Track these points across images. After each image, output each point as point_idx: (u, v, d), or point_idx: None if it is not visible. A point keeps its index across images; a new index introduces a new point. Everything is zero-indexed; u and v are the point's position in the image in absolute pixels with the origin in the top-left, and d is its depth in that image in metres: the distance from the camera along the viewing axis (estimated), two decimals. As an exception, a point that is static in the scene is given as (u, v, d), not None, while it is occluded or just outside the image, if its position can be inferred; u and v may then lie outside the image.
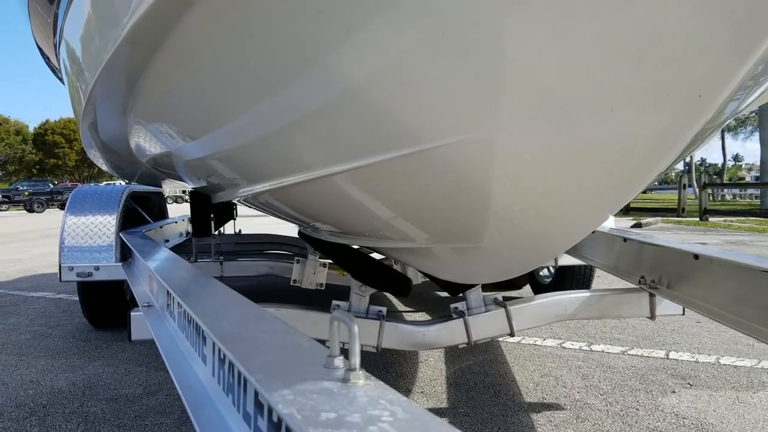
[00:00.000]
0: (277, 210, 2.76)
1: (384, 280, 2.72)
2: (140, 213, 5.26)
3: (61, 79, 3.75)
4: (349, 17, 1.22)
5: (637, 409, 3.04)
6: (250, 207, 3.33)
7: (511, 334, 2.88)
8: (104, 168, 4.97)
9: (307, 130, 1.66)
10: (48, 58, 3.93)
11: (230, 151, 2.08)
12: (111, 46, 1.53)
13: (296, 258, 4.20)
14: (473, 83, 1.23)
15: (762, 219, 17.21)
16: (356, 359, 0.88)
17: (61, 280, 4.28)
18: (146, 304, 2.63)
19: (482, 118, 1.28)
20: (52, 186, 48.30)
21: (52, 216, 30.55)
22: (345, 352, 0.97)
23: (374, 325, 2.75)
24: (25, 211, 37.83)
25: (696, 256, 2.40)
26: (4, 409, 3.15)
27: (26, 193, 41.82)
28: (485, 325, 2.84)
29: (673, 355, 3.95)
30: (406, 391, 3.35)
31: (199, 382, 1.72)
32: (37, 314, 5.54)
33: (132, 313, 2.59)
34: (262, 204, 2.82)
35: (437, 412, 3.06)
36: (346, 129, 1.57)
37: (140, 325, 2.58)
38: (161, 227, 5.13)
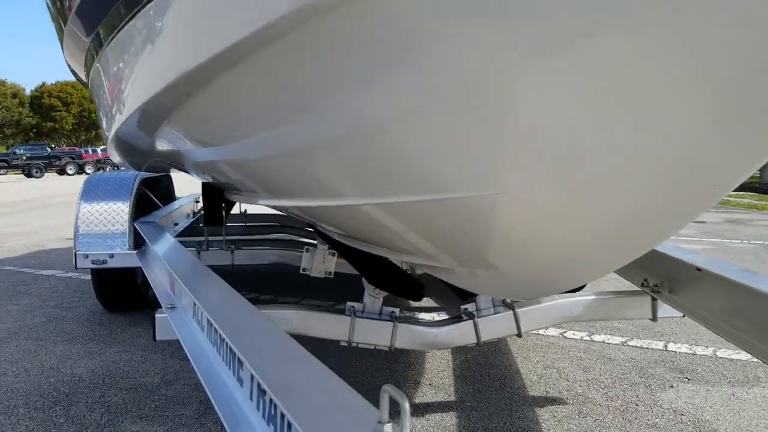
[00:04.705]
0: (295, 215, 2.85)
1: (397, 285, 2.82)
2: (150, 197, 5.34)
3: (82, 82, 3.79)
4: (371, 68, 1.30)
5: (637, 405, 3.18)
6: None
7: (519, 335, 3.00)
8: (116, 160, 5.01)
9: (331, 165, 1.75)
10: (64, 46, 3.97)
11: (262, 177, 2.17)
12: (153, 88, 1.60)
13: (306, 247, 4.30)
14: (489, 137, 1.32)
15: (762, 195, 17.26)
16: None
17: (76, 267, 4.40)
18: (170, 306, 2.73)
19: (502, 173, 1.37)
20: (49, 150, 48.12)
21: (52, 182, 30.53)
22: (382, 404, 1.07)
23: (388, 327, 2.86)
24: (23, 176, 37.78)
25: (698, 269, 2.51)
26: (30, 398, 3.28)
27: (24, 158, 41.72)
28: (494, 326, 2.96)
29: (671, 347, 4.08)
30: (415, 383, 3.48)
31: (230, 392, 1.83)
32: (49, 294, 5.66)
33: (156, 315, 2.69)
34: (280, 209, 2.91)
35: (446, 405, 3.19)
36: (368, 169, 1.66)
37: (165, 326, 2.68)
38: (171, 213, 5.22)
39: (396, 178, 1.62)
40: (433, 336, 2.93)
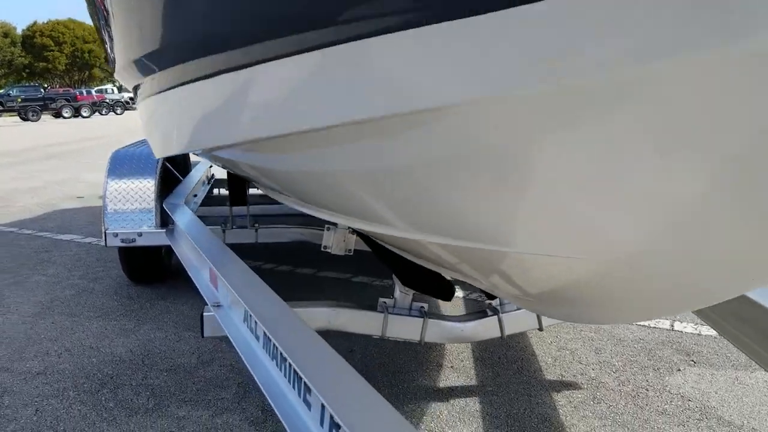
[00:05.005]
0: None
1: (430, 286, 2.99)
2: (171, 170, 5.45)
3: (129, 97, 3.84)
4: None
5: (647, 390, 3.40)
6: None
7: (540, 329, 3.20)
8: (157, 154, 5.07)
9: (383, 199, 1.90)
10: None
11: (303, 192, 2.31)
12: (222, 140, 1.73)
13: (326, 226, 4.46)
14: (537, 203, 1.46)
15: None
16: None
17: (106, 246, 4.56)
18: (216, 304, 2.90)
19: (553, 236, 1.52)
20: (42, 92, 47.55)
21: (49, 127, 30.37)
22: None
23: (418, 323, 3.05)
24: (19, 119, 37.48)
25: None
26: (77, 381, 3.48)
27: (19, 100, 41.29)
28: (517, 321, 3.15)
29: (677, 326, 4.30)
30: (438, 365, 3.69)
31: (293, 408, 2.02)
32: (73, 263, 5.83)
33: (204, 314, 2.87)
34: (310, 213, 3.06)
35: (469, 390, 3.41)
36: (420, 210, 1.80)
37: (212, 323, 2.86)
38: (192, 186, 5.35)
39: (447, 223, 1.77)
40: (460, 331, 3.13)
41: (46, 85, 68.76)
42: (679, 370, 3.64)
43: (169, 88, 1.99)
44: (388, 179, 1.76)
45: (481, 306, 3.28)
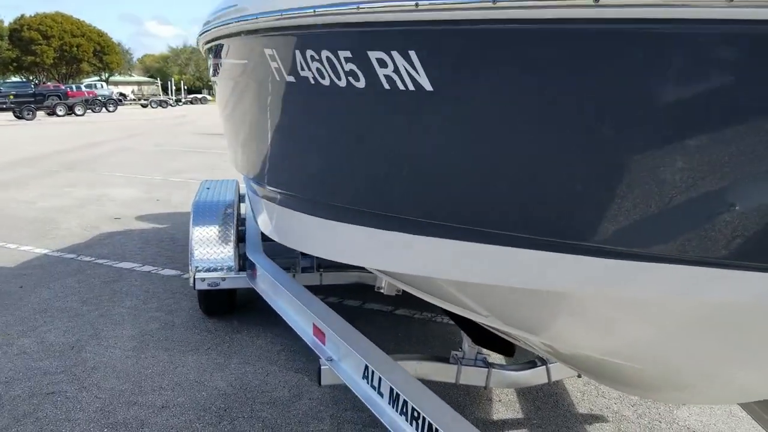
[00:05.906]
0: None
1: (495, 344, 3.79)
2: (241, 216, 6.21)
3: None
4: None
5: (660, 422, 4.25)
6: None
7: (579, 376, 4.03)
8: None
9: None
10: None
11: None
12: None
13: (381, 270, 5.26)
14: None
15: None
16: None
17: (194, 289, 5.34)
18: (329, 359, 3.69)
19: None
20: (33, 87, 47.60)
21: (48, 128, 30.67)
22: None
23: (484, 372, 3.87)
24: (14, 118, 37.66)
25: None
26: (198, 414, 4.24)
27: (11, 97, 41.47)
28: (561, 369, 3.97)
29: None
30: (488, 400, 4.51)
31: None
32: (144, 294, 6.56)
33: (321, 367, 3.65)
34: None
35: (519, 422, 4.23)
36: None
37: (328, 374, 3.64)
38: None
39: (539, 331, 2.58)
40: (515, 378, 3.95)
41: (32, 78, 68.41)
42: (684, 404, 4.49)
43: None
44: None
45: (531, 356, 4.07)
